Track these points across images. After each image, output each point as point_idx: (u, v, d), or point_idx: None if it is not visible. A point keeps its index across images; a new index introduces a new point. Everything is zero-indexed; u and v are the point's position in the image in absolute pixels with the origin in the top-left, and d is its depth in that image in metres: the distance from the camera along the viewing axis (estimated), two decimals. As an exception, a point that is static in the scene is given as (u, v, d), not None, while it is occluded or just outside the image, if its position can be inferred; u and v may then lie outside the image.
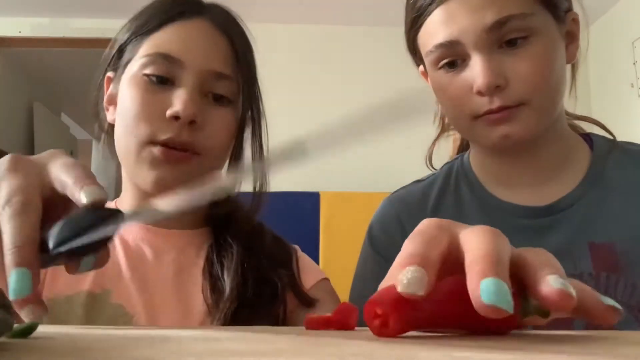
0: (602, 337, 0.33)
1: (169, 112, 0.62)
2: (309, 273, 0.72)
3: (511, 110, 0.63)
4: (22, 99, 4.07)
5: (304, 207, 2.68)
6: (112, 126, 0.71)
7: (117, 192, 0.76)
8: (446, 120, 0.83)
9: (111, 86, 0.70)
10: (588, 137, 0.75)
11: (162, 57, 0.64)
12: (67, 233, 0.34)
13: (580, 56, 0.73)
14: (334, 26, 3.26)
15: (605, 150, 0.72)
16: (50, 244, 0.34)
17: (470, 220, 0.71)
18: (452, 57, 0.65)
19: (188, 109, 0.62)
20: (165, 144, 0.62)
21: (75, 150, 4.99)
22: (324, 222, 2.72)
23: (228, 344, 0.27)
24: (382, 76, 3.23)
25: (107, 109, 0.71)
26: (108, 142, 0.73)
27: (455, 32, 0.63)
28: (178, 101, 0.62)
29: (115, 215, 0.36)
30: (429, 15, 0.66)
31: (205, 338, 0.30)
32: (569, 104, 0.75)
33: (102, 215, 0.35)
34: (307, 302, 0.68)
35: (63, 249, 0.33)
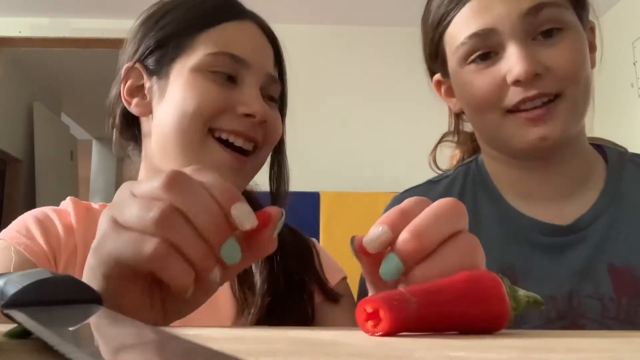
0: (599, 335, 0.33)
1: (244, 110, 0.64)
2: (332, 270, 0.73)
3: (549, 108, 0.62)
4: (22, 99, 4.07)
5: (304, 207, 2.68)
6: (133, 118, 0.71)
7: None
8: (460, 137, 0.82)
9: (133, 78, 0.69)
10: (601, 150, 0.74)
11: (229, 57, 0.65)
12: (28, 297, 0.27)
13: (604, 83, 0.74)
14: (332, 26, 3.26)
15: (619, 164, 0.71)
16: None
17: (487, 229, 0.70)
18: (486, 48, 0.64)
19: (263, 109, 0.65)
20: (237, 135, 0.64)
21: (75, 150, 4.99)
22: (324, 222, 2.72)
23: (225, 344, 0.27)
24: (389, 77, 3.23)
25: (129, 102, 0.70)
26: (122, 138, 0.73)
27: (490, 20, 0.63)
28: (255, 101, 0.64)
29: (89, 305, 0.28)
30: (460, 8, 0.66)
31: (202, 338, 0.30)
32: (587, 122, 0.73)
33: (77, 294, 0.29)
34: (334, 297, 0.69)
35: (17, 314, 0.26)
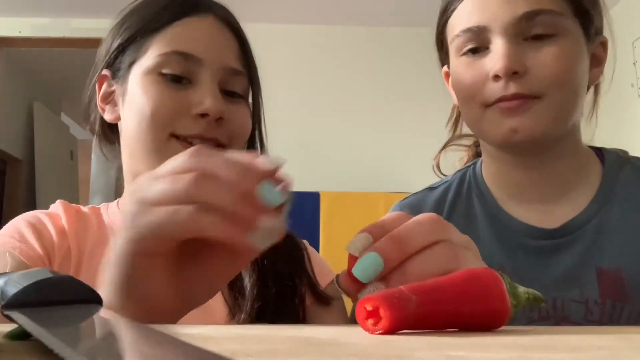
0: (599, 332, 0.33)
1: (197, 110, 0.62)
2: (322, 271, 0.73)
3: (525, 101, 0.62)
4: (22, 99, 4.07)
5: (304, 207, 2.68)
6: (110, 126, 0.71)
7: (118, 193, 0.76)
8: (458, 130, 0.82)
9: (105, 85, 0.69)
10: (600, 152, 0.73)
11: (179, 56, 0.63)
12: (28, 297, 0.27)
13: (604, 83, 0.73)
14: (332, 26, 3.26)
15: (617, 167, 0.70)
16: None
17: (479, 233, 0.70)
18: (477, 43, 0.66)
19: (217, 106, 0.62)
20: (194, 138, 0.62)
21: (75, 150, 4.99)
22: (324, 222, 2.72)
23: (224, 343, 0.27)
24: (389, 77, 3.23)
25: (103, 109, 0.70)
26: (102, 144, 0.73)
27: (485, 18, 0.64)
28: (206, 99, 0.62)
29: (89, 305, 0.28)
30: (462, 1, 0.67)
31: (202, 337, 0.30)
32: (587, 133, 0.73)
33: (77, 294, 0.29)
34: (325, 300, 0.68)
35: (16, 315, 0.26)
